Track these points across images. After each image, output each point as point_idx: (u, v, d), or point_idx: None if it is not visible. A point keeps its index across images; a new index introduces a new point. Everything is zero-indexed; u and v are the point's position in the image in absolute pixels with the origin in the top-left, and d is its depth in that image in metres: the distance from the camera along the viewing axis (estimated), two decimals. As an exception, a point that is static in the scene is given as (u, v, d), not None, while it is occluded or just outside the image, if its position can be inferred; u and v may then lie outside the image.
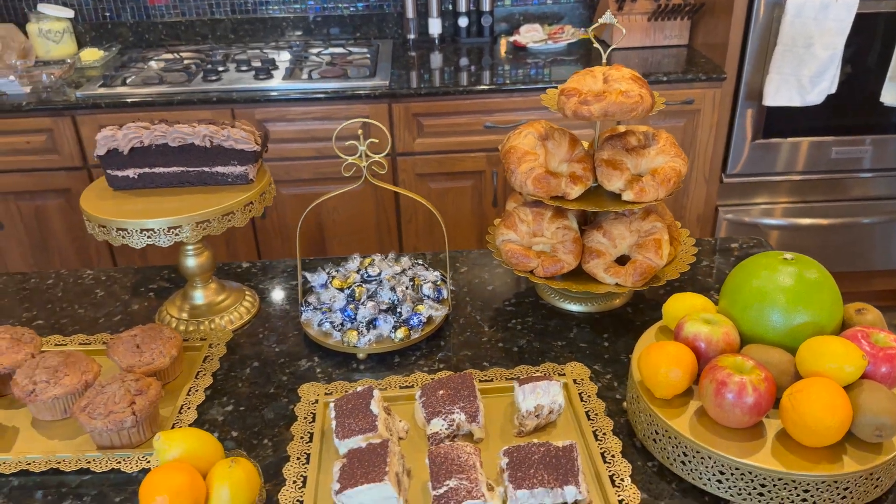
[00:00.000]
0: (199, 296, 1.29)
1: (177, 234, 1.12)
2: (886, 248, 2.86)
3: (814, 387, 0.89)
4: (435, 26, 2.95)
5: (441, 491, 0.89)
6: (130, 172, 1.19)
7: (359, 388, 1.04)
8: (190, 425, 1.06)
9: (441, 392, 1.03)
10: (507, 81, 2.48)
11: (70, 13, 2.83)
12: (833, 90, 2.47)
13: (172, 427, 1.04)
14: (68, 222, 2.61)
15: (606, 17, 1.17)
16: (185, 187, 1.22)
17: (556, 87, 1.27)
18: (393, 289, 1.24)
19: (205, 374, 1.15)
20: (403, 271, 1.31)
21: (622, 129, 1.28)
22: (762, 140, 2.64)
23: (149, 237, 1.12)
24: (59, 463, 0.99)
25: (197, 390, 1.11)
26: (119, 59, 2.85)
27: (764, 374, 0.91)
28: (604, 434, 1.00)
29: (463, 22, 2.94)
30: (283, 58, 2.78)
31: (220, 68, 2.60)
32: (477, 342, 1.24)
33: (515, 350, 1.22)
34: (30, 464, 0.99)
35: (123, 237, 1.12)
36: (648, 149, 1.20)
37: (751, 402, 0.90)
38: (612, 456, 0.97)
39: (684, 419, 0.95)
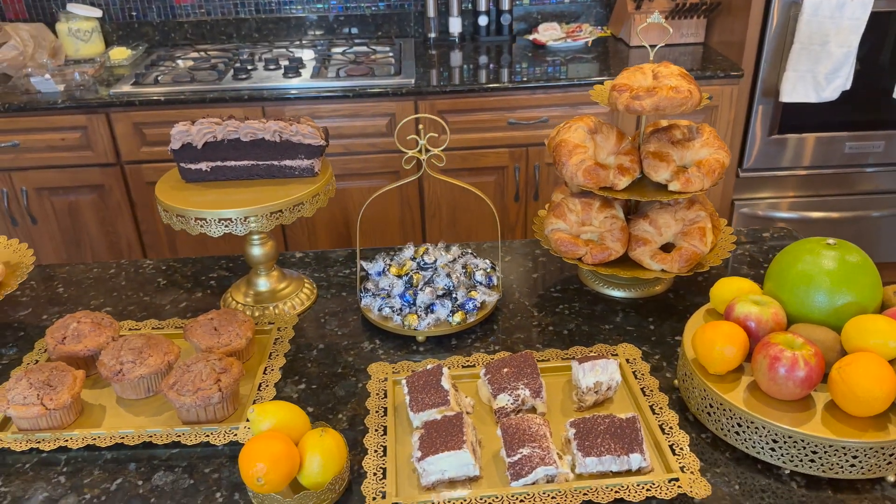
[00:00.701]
0: (264, 283, 1.36)
1: (252, 224, 1.19)
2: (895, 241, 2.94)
3: (862, 360, 0.96)
4: (455, 25, 3.01)
5: (516, 458, 0.96)
6: (203, 165, 1.25)
7: (428, 367, 1.10)
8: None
9: (505, 370, 1.10)
10: (530, 79, 2.55)
11: (98, 13, 2.89)
12: (847, 87, 2.54)
13: (254, 403, 1.11)
14: (100, 217, 2.68)
15: (654, 18, 1.24)
16: (254, 180, 1.28)
17: (603, 83, 1.34)
18: (448, 275, 1.31)
19: (277, 355, 1.21)
20: (455, 259, 1.37)
21: (664, 123, 1.35)
22: (777, 136, 2.71)
23: (226, 226, 1.18)
24: (152, 437, 1.06)
25: (273, 369, 1.18)
26: (146, 58, 2.91)
27: (814, 349, 0.98)
28: (660, 408, 1.07)
29: (483, 21, 3.01)
30: (308, 56, 2.84)
31: (249, 67, 2.66)
32: (528, 326, 1.31)
33: (566, 333, 1.29)
34: (123, 437, 1.06)
35: (202, 226, 1.18)
36: (693, 141, 1.26)
37: (802, 376, 0.97)
38: (670, 427, 1.04)
39: (738, 393, 1.02)
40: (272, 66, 2.69)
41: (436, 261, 1.34)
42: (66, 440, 1.06)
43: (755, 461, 1.02)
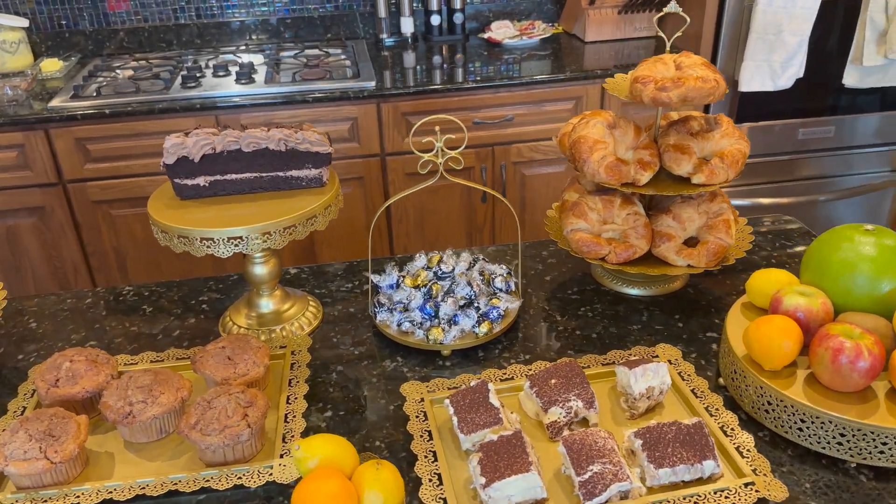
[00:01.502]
0: (266, 304, 1.26)
1: (265, 241, 1.09)
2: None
3: (925, 347, 0.94)
4: (407, 25, 2.94)
5: (586, 476, 0.90)
6: (201, 180, 1.14)
7: (472, 383, 1.04)
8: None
9: (553, 381, 1.04)
10: (493, 77, 2.50)
11: (25, 22, 2.69)
12: (801, 74, 2.60)
13: (284, 438, 1.01)
14: (42, 241, 2.48)
15: (672, 7, 1.20)
16: (257, 193, 1.18)
17: (614, 76, 1.30)
18: (469, 284, 1.24)
19: (298, 382, 1.11)
20: (470, 266, 1.30)
21: (675, 115, 1.32)
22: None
23: (236, 245, 1.08)
24: (177, 484, 0.95)
25: (296, 398, 1.08)
26: (80, 69, 2.72)
27: (873, 338, 0.96)
28: (716, 409, 1.03)
29: (435, 20, 2.94)
30: (258, 61, 2.72)
31: (198, 74, 2.52)
32: (554, 331, 1.26)
33: (595, 337, 1.24)
34: (144, 487, 0.94)
35: (209, 247, 1.08)
36: (712, 132, 1.24)
37: (867, 366, 0.95)
38: (732, 429, 1.00)
39: (797, 388, 0.99)
40: (221, 73, 2.56)
41: (453, 269, 1.27)
42: (78, 496, 0.94)
43: (819, 456, 0.99)
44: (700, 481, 0.93)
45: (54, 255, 2.51)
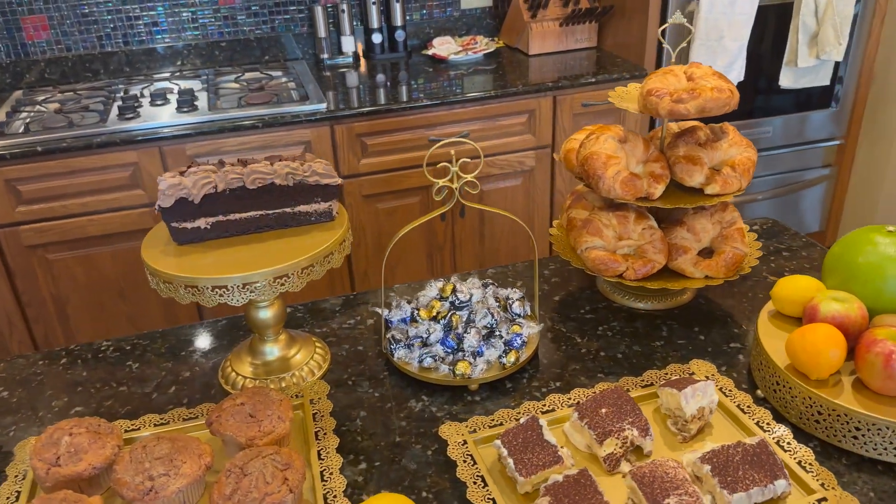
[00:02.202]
0: (272, 350, 1.16)
1: (282, 284, 1.00)
2: (796, 218, 3.14)
3: (972, 345, 0.95)
4: (349, 44, 2.87)
5: (663, 510, 0.86)
6: (202, 223, 1.05)
7: (521, 421, 0.98)
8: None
9: (603, 410, 1.00)
10: (446, 94, 2.45)
11: (-67, 56, 2.47)
12: (742, 78, 2.67)
13: (325, 499, 0.92)
14: (-31, 293, 2.27)
15: (677, 18, 1.19)
16: (262, 232, 1.09)
17: (615, 89, 1.27)
18: (489, 312, 1.19)
19: (325, 434, 1.03)
20: (484, 293, 1.25)
21: (675, 126, 1.31)
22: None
23: (251, 291, 0.99)
24: (218, 564, 0.85)
25: (328, 452, 0.99)
26: (-2, 103, 2.52)
27: (920, 340, 0.96)
28: (767, 424, 1.01)
29: (377, 38, 2.88)
30: (196, 87, 2.58)
31: (135, 104, 2.37)
32: (578, 355, 1.22)
33: (620, 357, 1.21)
34: (180, 573, 0.84)
35: (221, 296, 0.98)
36: (720, 142, 1.23)
37: (918, 369, 0.94)
38: (788, 443, 0.98)
39: (848, 396, 0.99)
40: (160, 102, 2.42)
41: (470, 297, 1.21)
42: (105, 591, 0.83)
43: (874, 463, 0.98)
44: (771, 501, 0.91)
45: (-15, 307, 2.31)
